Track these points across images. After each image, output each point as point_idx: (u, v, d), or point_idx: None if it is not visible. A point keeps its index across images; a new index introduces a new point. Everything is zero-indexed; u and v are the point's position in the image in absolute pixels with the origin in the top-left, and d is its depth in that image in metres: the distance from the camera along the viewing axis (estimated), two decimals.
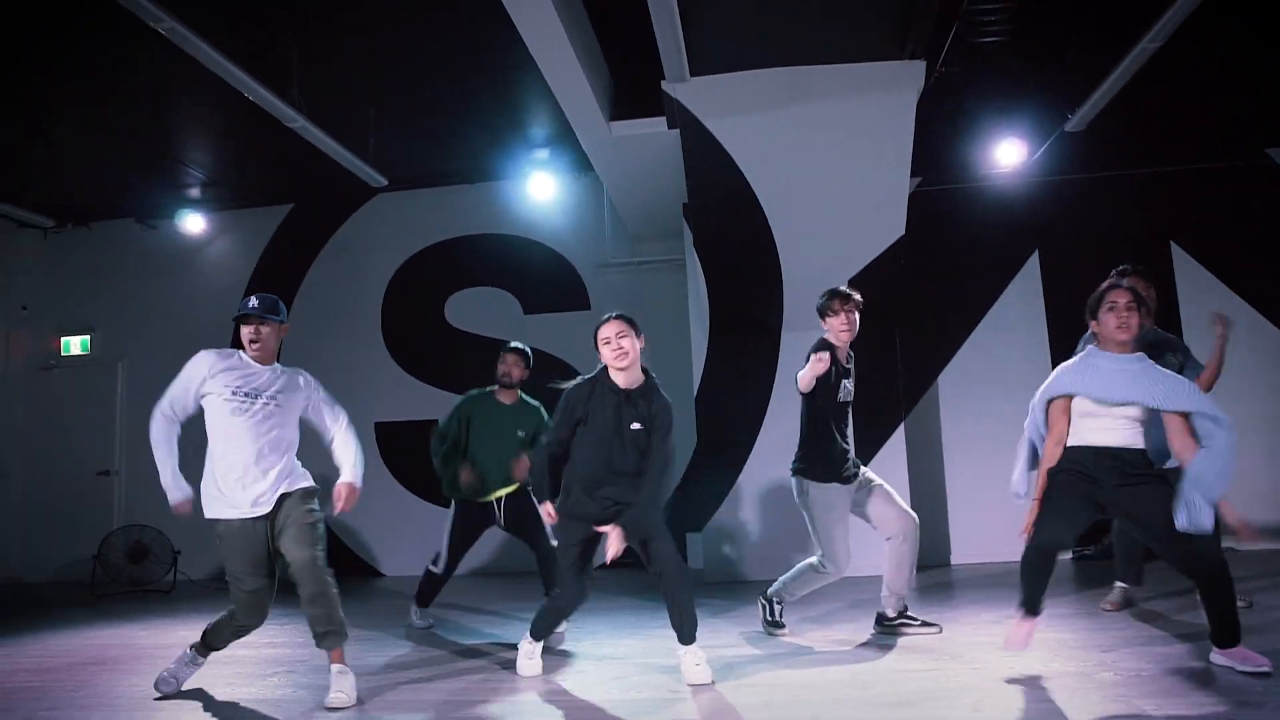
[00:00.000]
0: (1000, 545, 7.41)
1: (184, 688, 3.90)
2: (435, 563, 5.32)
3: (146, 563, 7.91)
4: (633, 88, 6.14)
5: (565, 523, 3.91)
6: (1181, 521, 3.33)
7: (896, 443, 7.05)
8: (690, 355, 7.57)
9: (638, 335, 3.85)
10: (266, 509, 3.73)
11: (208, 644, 3.94)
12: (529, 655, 4.06)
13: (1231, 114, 7.42)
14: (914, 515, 4.61)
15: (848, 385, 4.64)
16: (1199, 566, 3.39)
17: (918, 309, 7.59)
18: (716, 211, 6.53)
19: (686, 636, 3.76)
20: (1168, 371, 3.61)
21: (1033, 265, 7.77)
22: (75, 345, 9.51)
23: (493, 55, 6.52)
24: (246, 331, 3.87)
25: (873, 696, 3.36)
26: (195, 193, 9.02)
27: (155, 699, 3.80)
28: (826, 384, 4.46)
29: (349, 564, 8.67)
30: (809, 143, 5.91)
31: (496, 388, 5.30)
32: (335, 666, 3.68)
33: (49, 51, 6.06)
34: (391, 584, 7.97)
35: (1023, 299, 7.75)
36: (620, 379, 3.85)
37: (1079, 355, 3.79)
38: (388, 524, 8.72)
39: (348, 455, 3.94)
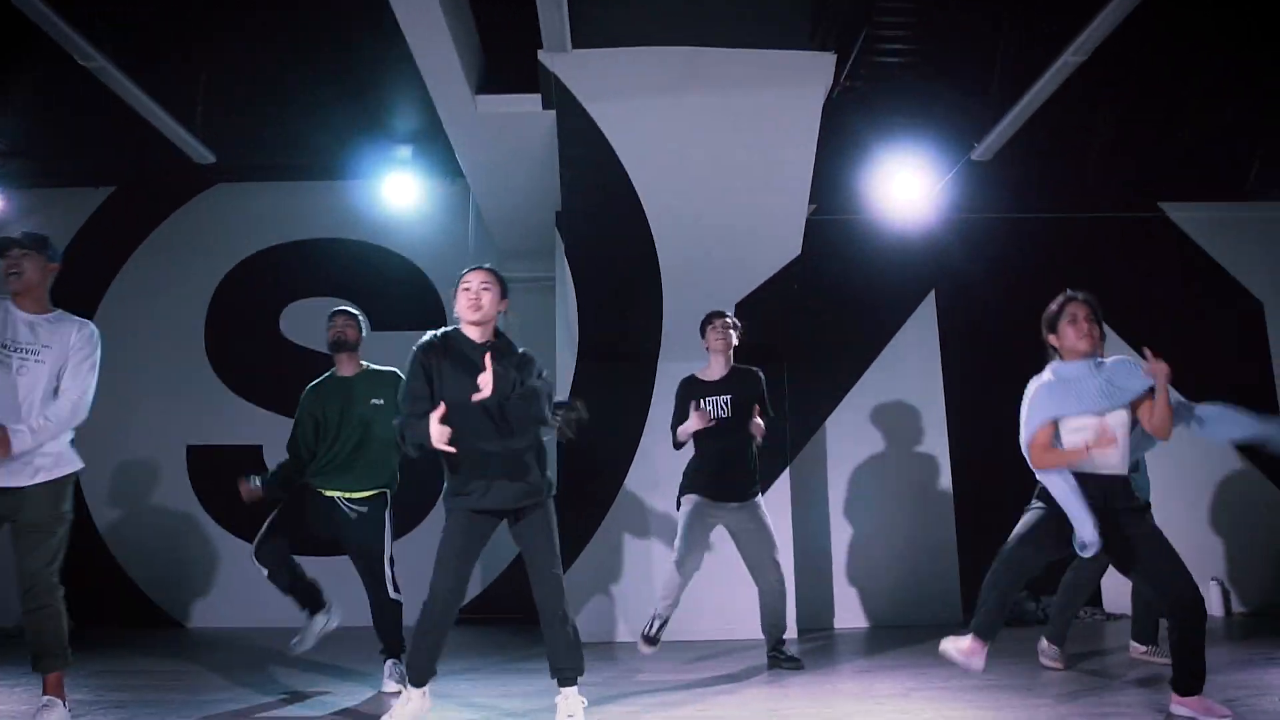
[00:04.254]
0: (885, 610, 6.81)
1: None
2: None
3: None
4: (507, 61, 5.33)
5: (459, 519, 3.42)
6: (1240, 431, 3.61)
7: (780, 491, 6.38)
8: (556, 385, 6.73)
9: (502, 297, 3.53)
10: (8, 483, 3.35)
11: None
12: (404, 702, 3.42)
13: (1129, 166, 7.28)
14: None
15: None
16: (1182, 595, 3.23)
17: (807, 347, 6.99)
18: (592, 215, 5.77)
19: (562, 676, 3.43)
20: (1119, 358, 3.57)
21: (929, 305, 7.29)
22: None
23: (350, 26, 5.67)
24: (3, 265, 3.50)
25: None
26: None
27: None
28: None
29: (145, 615, 7.31)
30: (702, 136, 5.21)
31: (332, 371, 4.63)
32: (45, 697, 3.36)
33: None
34: (196, 638, 6.68)
35: (918, 340, 7.24)
36: (473, 333, 3.48)
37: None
38: (198, 567, 7.42)
39: (53, 413, 3.42)
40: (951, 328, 7.22)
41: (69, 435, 3.56)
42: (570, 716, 3.36)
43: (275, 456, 7.39)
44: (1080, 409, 3.43)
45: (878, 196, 7.01)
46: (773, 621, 4.84)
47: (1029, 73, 5.51)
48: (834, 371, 7.21)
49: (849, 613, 6.84)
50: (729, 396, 4.82)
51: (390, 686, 4.23)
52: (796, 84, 5.03)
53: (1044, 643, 4.67)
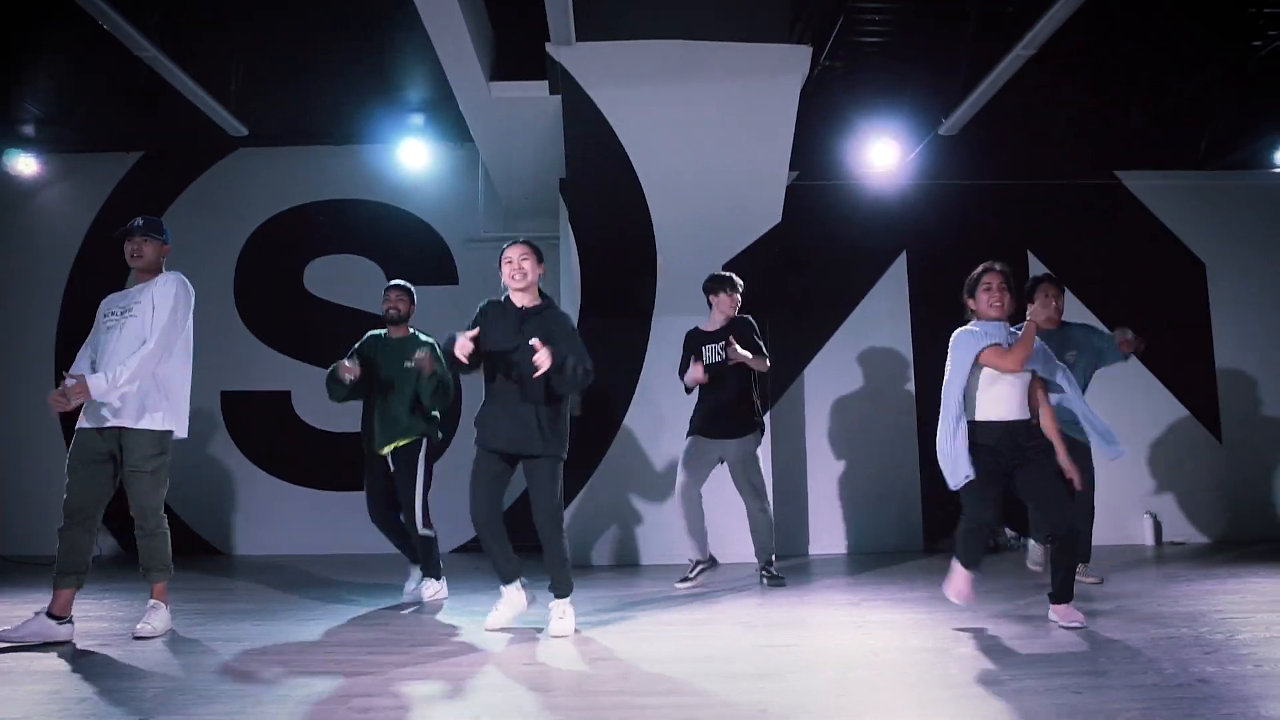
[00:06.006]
0: (855, 538, 7.59)
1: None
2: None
3: None
4: (516, 48, 5.92)
5: (479, 453, 4.03)
6: (1110, 452, 4.11)
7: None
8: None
9: (539, 263, 4.12)
10: (101, 424, 3.95)
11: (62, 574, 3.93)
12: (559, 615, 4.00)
13: (1087, 136, 7.83)
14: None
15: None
16: (1067, 523, 3.85)
17: (788, 301, 7.65)
18: (594, 186, 6.40)
19: (557, 589, 4.03)
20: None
21: (900, 265, 7.96)
22: None
23: (371, 7, 6.22)
24: (128, 247, 4.13)
25: (735, 669, 3.28)
26: (30, 130, 8.22)
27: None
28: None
29: (190, 544, 8.08)
30: (692, 119, 5.85)
31: (387, 329, 5.25)
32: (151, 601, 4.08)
33: None
34: (239, 564, 7.45)
35: (889, 297, 7.92)
36: (518, 299, 4.09)
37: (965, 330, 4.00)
38: (233, 501, 8.20)
39: (124, 361, 3.92)
40: (920, 286, 7.88)
41: (185, 404, 4.30)
42: (561, 618, 3.99)
43: (302, 401, 8.25)
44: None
45: (855, 164, 7.63)
46: (760, 543, 5.58)
47: (992, 57, 6.08)
48: (812, 324, 7.89)
49: (823, 539, 7.62)
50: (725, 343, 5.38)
51: (422, 589, 5.01)
52: (776, 74, 5.66)
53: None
